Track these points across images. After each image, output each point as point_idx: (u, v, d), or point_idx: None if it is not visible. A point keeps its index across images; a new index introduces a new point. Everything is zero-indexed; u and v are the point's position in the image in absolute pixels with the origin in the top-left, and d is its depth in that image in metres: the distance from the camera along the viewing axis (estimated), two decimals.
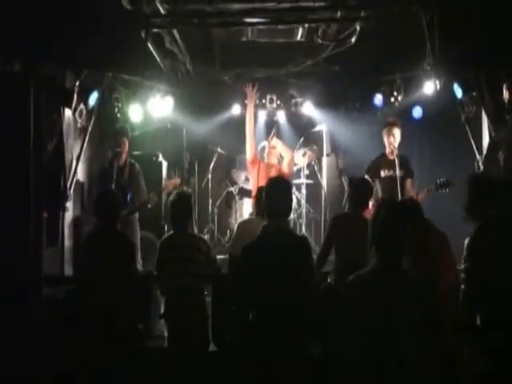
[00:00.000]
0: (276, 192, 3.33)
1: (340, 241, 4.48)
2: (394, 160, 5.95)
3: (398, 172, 5.89)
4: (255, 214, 4.87)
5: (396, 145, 6.01)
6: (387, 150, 6.09)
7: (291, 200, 3.40)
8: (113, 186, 5.56)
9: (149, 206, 5.90)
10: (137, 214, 6.05)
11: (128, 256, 4.13)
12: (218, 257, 5.17)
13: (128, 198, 5.87)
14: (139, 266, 5.94)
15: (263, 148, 7.25)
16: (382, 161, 6.14)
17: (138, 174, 6.00)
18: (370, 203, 5.28)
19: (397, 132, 6.05)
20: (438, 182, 5.55)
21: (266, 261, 3.15)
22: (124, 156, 5.92)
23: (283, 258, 3.14)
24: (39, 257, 4.83)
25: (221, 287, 4.68)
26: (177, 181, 6.26)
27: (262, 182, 5.92)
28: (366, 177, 5.79)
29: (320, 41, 6.47)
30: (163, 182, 7.14)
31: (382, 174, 6.09)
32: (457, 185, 5.33)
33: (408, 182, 6.01)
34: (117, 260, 4.02)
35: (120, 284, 3.99)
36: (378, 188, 6.01)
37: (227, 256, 5.11)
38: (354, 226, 4.41)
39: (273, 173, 6.19)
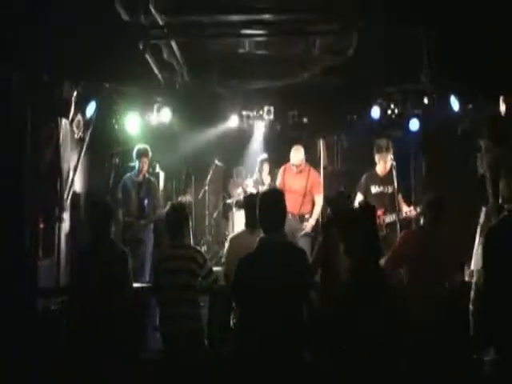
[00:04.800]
0: (268, 205, 3.28)
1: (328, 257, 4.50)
2: (383, 176, 5.99)
3: (388, 188, 5.96)
4: (245, 226, 4.67)
5: (388, 166, 6.02)
6: (378, 170, 6.12)
7: (284, 213, 3.31)
8: (133, 198, 6.38)
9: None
10: (152, 225, 6.57)
11: (118, 267, 4.09)
12: (215, 268, 5.14)
13: (146, 210, 6.48)
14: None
15: (263, 160, 7.37)
16: (372, 177, 6.15)
17: (154, 189, 6.62)
18: None
19: (389, 157, 6.05)
20: None
21: (263, 271, 3.13)
22: (144, 171, 6.54)
23: (280, 269, 3.13)
24: (35, 268, 4.80)
25: (217, 298, 4.65)
26: (188, 197, 6.84)
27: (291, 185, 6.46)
28: (358, 193, 5.83)
29: (317, 53, 6.49)
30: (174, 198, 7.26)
31: (373, 190, 6.10)
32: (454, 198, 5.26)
33: (399, 196, 6.03)
34: (109, 271, 4.01)
35: (112, 296, 3.97)
36: None
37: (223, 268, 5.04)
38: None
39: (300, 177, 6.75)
